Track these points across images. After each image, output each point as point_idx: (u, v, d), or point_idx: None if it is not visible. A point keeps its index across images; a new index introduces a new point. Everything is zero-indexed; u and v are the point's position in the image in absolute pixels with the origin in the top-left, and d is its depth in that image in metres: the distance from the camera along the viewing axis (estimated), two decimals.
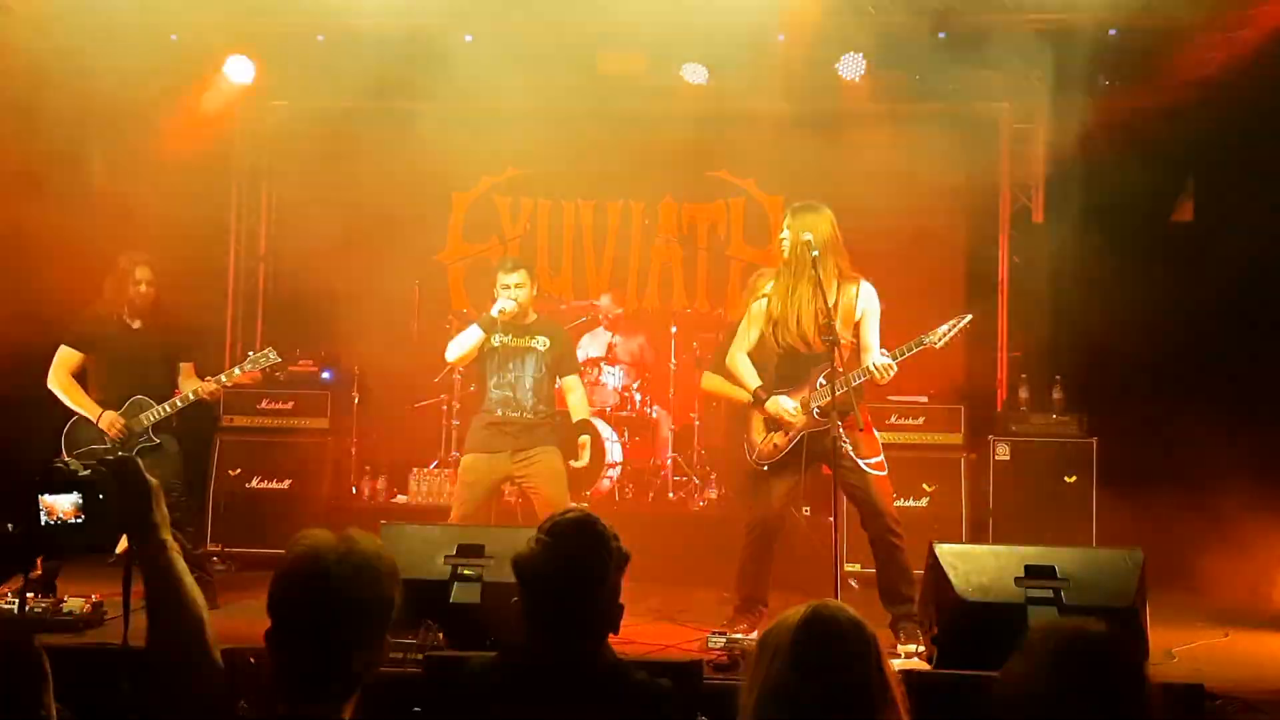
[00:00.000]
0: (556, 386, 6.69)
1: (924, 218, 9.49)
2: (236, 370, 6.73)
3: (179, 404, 6.54)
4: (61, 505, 2.37)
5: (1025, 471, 8.05)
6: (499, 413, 6.49)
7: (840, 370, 5.55)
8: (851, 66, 8.81)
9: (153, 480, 2.41)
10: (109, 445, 6.43)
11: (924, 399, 8.27)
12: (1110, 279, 8.29)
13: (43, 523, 2.38)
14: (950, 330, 5.68)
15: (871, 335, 5.92)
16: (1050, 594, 4.95)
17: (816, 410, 5.79)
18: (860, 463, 5.75)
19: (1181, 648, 5.77)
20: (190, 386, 6.61)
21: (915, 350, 5.72)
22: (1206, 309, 8.16)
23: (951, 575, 5.03)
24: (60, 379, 6.52)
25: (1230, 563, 7.07)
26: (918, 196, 9.45)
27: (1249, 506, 7.08)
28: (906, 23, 8.70)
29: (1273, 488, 7.13)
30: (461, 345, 6.54)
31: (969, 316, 5.78)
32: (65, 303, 6.92)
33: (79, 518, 2.37)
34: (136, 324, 6.64)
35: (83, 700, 2.45)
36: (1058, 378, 8.37)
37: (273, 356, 6.75)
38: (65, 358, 6.56)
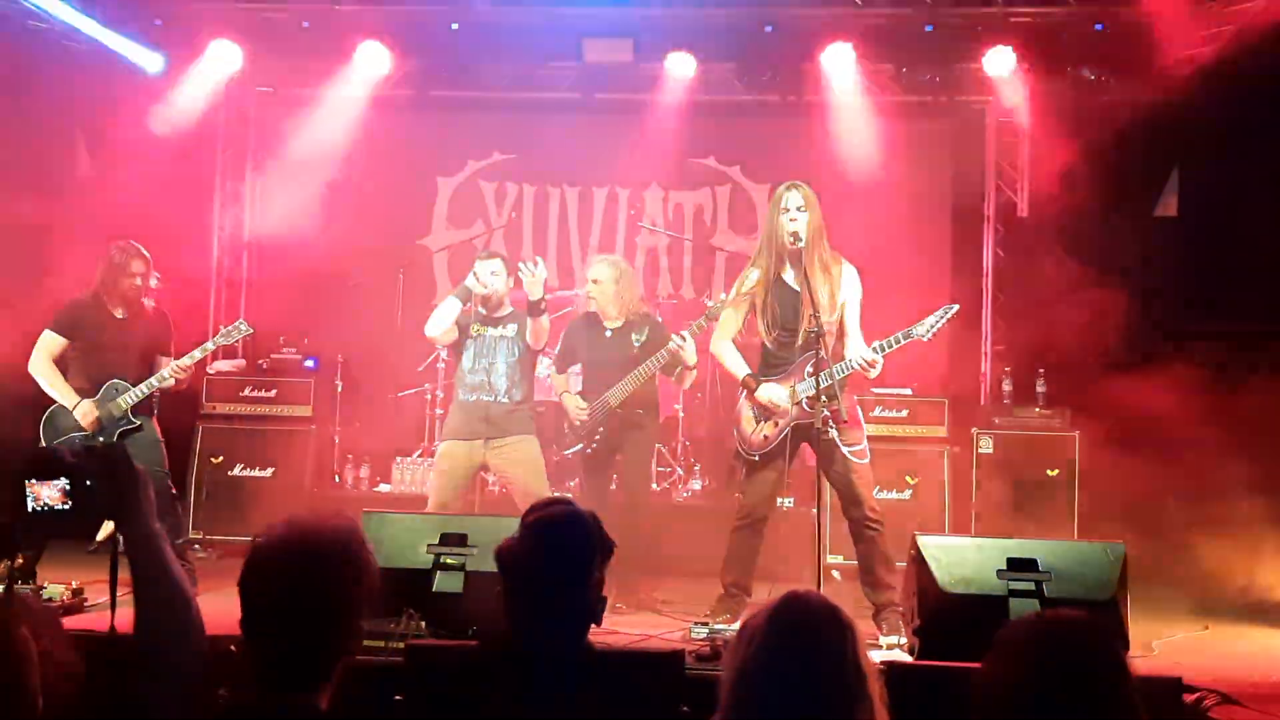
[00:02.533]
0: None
1: (909, 210, 9.53)
2: (210, 344, 6.72)
3: (155, 383, 6.50)
4: (49, 491, 2.36)
5: (1008, 464, 8.08)
6: (472, 398, 6.53)
7: (826, 359, 5.54)
8: (837, 58, 8.81)
9: (140, 467, 2.40)
10: (87, 433, 6.41)
11: (908, 391, 8.29)
12: (1094, 273, 8.32)
13: (29, 508, 2.36)
14: (937, 321, 5.64)
15: (853, 321, 5.93)
16: (1032, 586, 4.98)
17: (805, 399, 5.80)
18: (844, 449, 5.76)
19: (1162, 640, 5.80)
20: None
21: (902, 343, 5.69)
22: (1190, 303, 8.19)
23: (934, 567, 5.05)
24: (41, 364, 6.48)
25: (1211, 556, 7.11)
26: (903, 189, 9.48)
27: (1230, 500, 7.11)
28: (893, 15, 8.72)
29: (1254, 481, 7.16)
30: (440, 319, 6.54)
31: (955, 306, 5.77)
32: (49, 288, 6.88)
33: (66, 504, 2.36)
34: (120, 314, 6.59)
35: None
36: (1041, 371, 8.39)
37: (244, 328, 6.75)
38: (48, 343, 6.51)
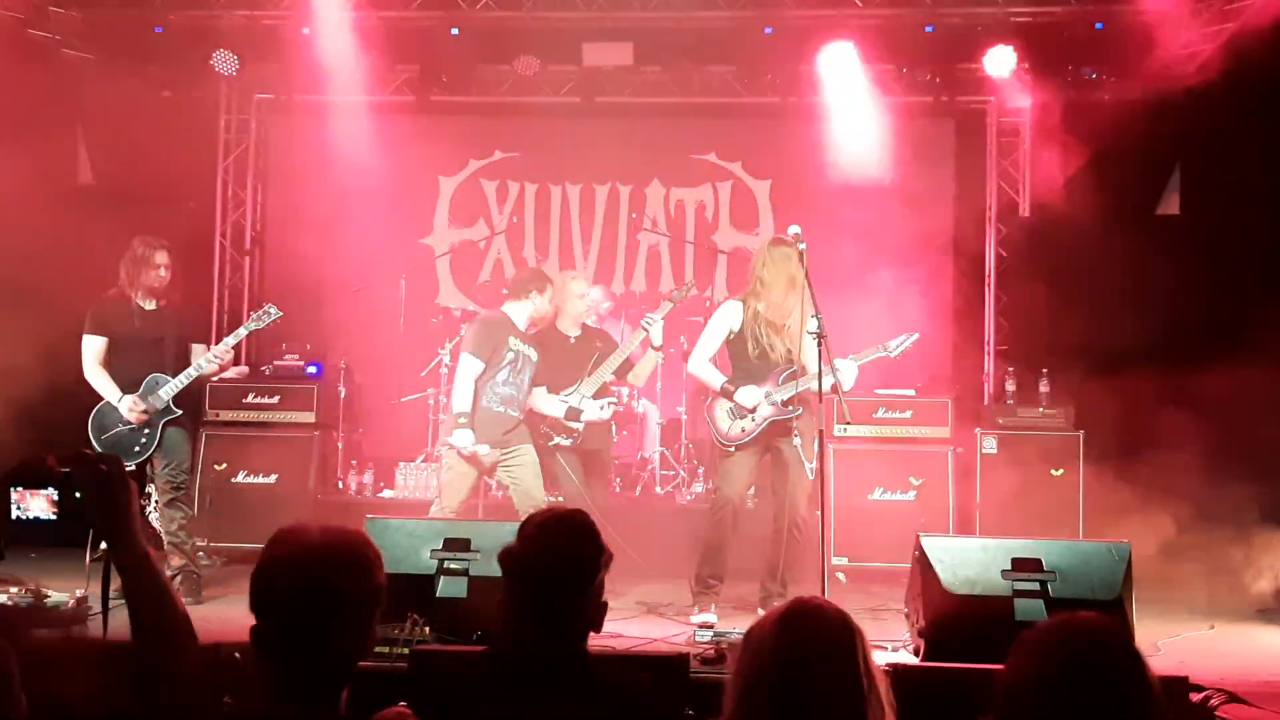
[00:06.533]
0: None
1: (910, 210, 9.51)
2: (242, 330, 6.85)
3: (193, 373, 6.59)
4: (36, 500, 2.33)
5: (1012, 464, 8.04)
6: (500, 409, 6.73)
7: (797, 370, 6.18)
8: (841, 60, 8.81)
9: (132, 482, 2.37)
10: (134, 427, 6.49)
11: (912, 392, 8.27)
12: (1097, 272, 8.30)
13: (13, 516, 2.33)
14: (902, 343, 6.26)
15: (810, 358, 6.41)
16: (1037, 587, 4.97)
17: (781, 400, 6.23)
18: (807, 465, 6.19)
19: (1167, 640, 5.79)
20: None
21: (873, 357, 6.26)
22: (1192, 302, 8.18)
23: (938, 568, 5.04)
24: (89, 368, 6.59)
25: (1215, 555, 7.09)
26: (904, 189, 9.48)
27: (1234, 499, 7.10)
28: (893, 15, 8.73)
29: (1257, 480, 7.15)
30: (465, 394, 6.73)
31: (916, 335, 6.33)
32: (53, 294, 6.92)
33: (54, 513, 2.33)
34: (151, 305, 6.71)
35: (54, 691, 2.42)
36: (1045, 371, 8.37)
37: (274, 312, 6.80)
38: (92, 346, 6.62)
